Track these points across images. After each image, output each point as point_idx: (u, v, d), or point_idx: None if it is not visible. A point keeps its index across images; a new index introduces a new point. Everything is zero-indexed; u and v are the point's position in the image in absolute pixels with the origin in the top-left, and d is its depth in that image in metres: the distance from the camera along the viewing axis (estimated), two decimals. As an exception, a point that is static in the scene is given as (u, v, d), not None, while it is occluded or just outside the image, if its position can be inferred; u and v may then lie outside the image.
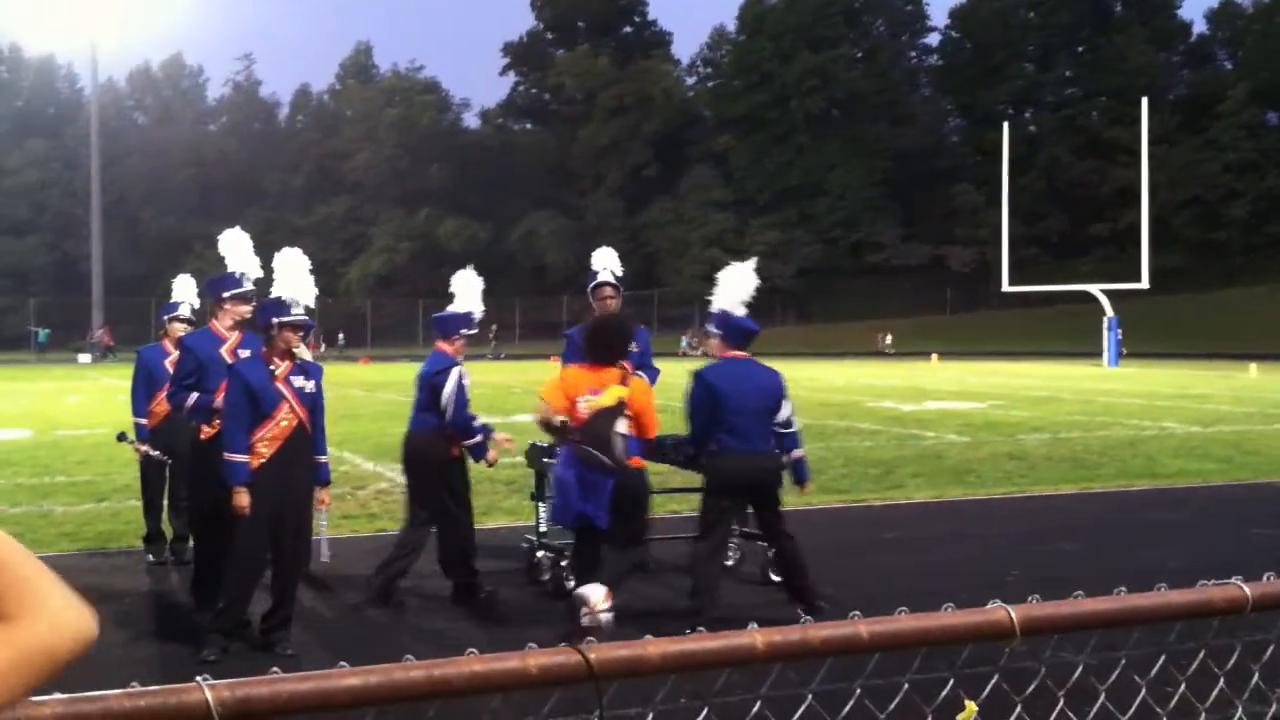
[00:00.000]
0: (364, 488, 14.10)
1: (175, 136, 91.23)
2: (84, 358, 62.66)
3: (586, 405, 7.88)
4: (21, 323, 76.78)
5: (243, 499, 7.29)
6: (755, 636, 2.00)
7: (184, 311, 10.47)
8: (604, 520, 7.74)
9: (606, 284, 9.64)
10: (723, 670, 2.05)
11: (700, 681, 2.15)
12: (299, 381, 7.61)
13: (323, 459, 7.82)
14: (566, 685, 1.86)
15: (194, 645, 7.46)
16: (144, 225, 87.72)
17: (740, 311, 8.48)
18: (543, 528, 9.20)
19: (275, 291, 7.77)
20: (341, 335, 76.03)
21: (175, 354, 9.50)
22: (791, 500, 13.28)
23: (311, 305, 7.78)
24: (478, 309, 9.15)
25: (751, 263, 8.82)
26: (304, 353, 7.90)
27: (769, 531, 8.40)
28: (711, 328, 8.43)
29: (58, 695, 1.48)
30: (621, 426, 7.88)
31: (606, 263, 9.76)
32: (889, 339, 71.54)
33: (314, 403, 7.65)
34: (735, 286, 8.54)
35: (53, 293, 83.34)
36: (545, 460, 9.14)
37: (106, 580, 9.52)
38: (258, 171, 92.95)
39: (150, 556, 10.21)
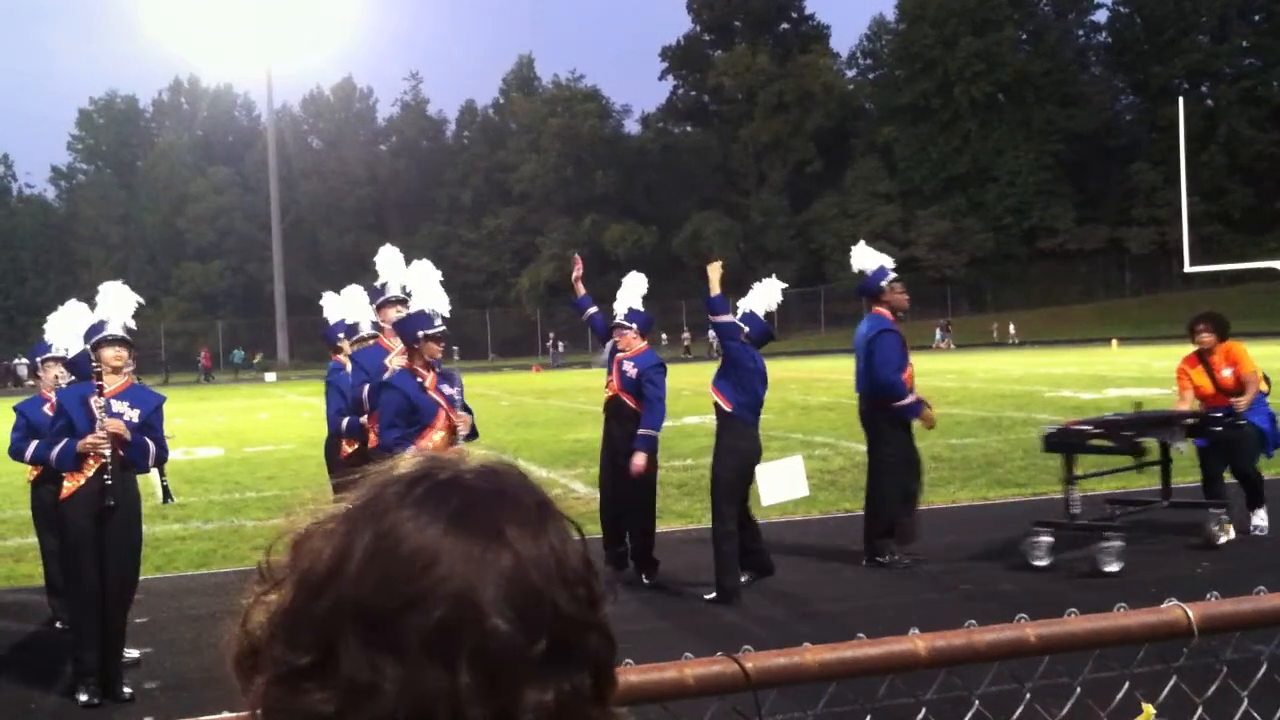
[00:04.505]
0: (539, 494, 14.27)
1: (349, 158, 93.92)
2: (270, 376, 64.88)
3: None
4: (211, 344, 79.89)
5: None
6: (917, 642, 1.96)
7: (364, 329, 9.80)
8: None
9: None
10: (885, 675, 2.02)
11: (863, 687, 2.13)
12: (448, 389, 7.81)
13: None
14: (724, 695, 1.86)
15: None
16: (323, 245, 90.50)
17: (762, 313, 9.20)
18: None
19: (414, 304, 7.94)
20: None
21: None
22: (968, 495, 13.08)
23: (446, 315, 7.94)
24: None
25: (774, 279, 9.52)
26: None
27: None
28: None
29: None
30: None
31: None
32: (1011, 329, 70.22)
33: (459, 408, 7.97)
34: (765, 295, 9.21)
35: (238, 314, 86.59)
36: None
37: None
38: (429, 187, 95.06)
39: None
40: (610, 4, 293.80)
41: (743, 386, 8.80)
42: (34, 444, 7.55)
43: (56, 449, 7.05)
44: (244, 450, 21.67)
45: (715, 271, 8.80)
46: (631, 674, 1.79)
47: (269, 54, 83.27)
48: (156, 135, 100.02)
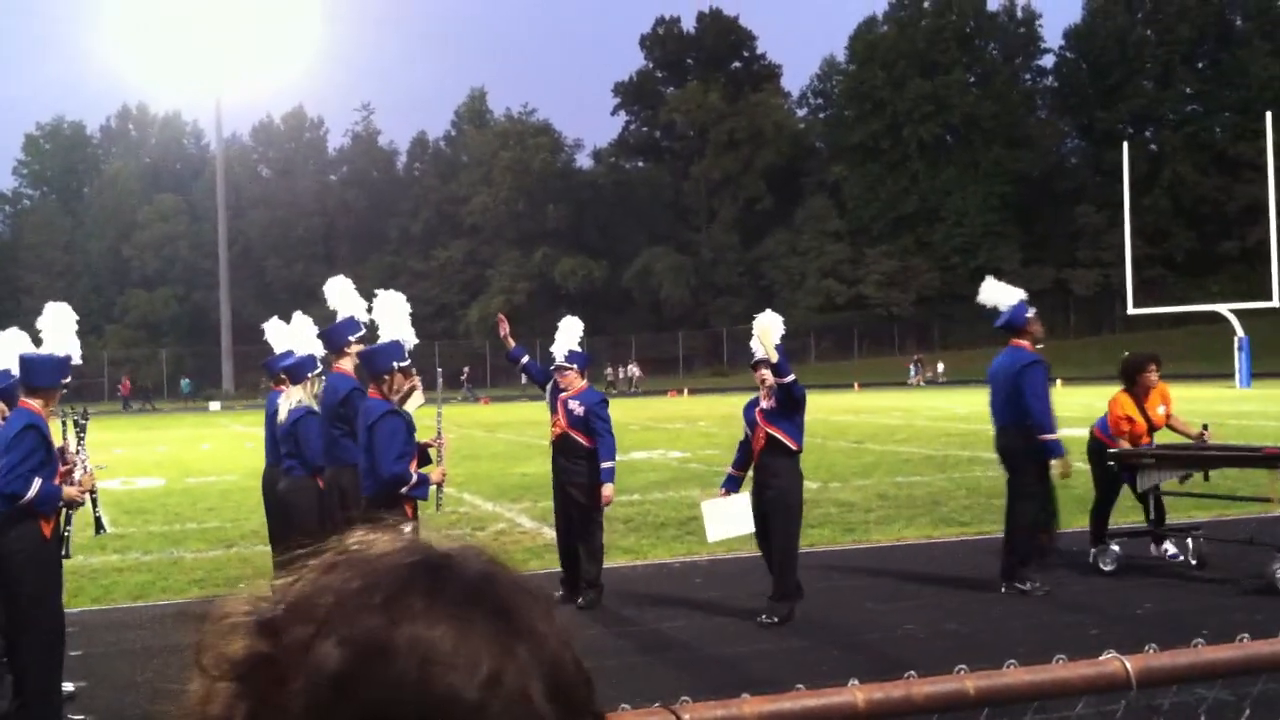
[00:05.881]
0: (483, 528, 14.20)
1: (298, 187, 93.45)
2: (214, 405, 64.23)
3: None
4: (156, 373, 79.11)
5: None
6: (855, 694, 1.95)
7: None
8: None
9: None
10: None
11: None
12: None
13: None
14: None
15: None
16: (270, 275, 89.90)
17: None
18: None
19: (383, 335, 7.92)
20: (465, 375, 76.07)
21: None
22: (913, 533, 13.15)
23: (412, 347, 8.00)
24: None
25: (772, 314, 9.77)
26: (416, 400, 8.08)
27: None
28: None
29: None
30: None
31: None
32: (940, 367, 70.49)
33: None
34: (773, 331, 9.39)
35: (184, 343, 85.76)
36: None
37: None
38: (379, 218, 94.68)
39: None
40: (563, 39, 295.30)
41: (801, 427, 9.34)
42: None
43: (44, 487, 6.74)
44: (186, 481, 21.41)
45: (768, 338, 9.21)
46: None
47: (219, 82, 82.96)
48: (104, 162, 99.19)
